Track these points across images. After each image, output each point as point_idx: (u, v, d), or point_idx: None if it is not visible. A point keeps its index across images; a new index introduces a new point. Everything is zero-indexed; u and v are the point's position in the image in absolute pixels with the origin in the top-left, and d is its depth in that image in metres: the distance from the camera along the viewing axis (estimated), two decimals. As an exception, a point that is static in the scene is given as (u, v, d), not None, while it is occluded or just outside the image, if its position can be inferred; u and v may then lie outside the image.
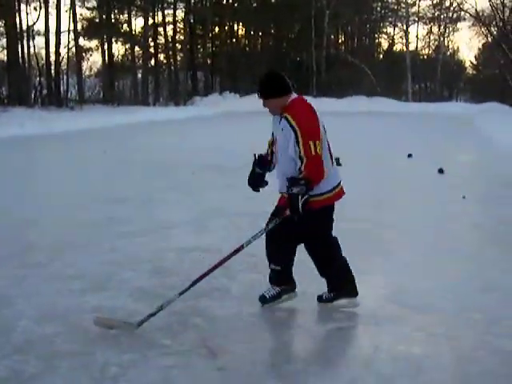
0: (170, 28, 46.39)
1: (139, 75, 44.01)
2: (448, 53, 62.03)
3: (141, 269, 5.73)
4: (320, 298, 4.76)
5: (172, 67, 45.87)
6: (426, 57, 60.93)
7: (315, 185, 4.29)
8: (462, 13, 50.40)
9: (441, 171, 11.83)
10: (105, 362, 3.81)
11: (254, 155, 4.85)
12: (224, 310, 4.72)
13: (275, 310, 4.67)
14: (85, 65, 42.81)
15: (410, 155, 14.05)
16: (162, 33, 45.91)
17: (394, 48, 60.09)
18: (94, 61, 48.62)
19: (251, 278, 5.46)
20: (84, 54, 42.12)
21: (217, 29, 50.10)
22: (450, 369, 3.79)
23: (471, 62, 64.56)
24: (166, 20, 45.69)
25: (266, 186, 4.89)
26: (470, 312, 4.67)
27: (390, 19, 58.05)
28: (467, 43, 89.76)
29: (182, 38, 47.53)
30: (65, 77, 38.87)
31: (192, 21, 47.49)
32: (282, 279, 4.73)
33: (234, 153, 15.01)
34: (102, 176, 11.42)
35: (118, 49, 45.72)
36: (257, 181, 4.86)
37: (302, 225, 4.36)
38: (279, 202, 4.70)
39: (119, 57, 46.11)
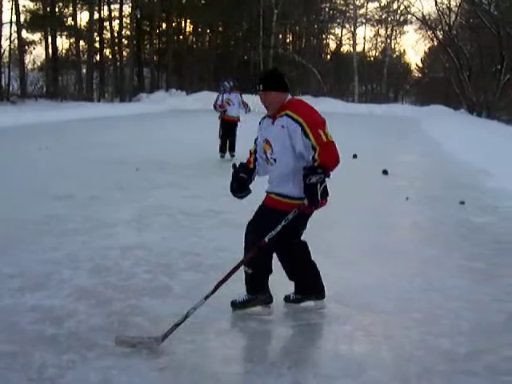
0: (116, 23, 45.74)
1: (84, 70, 43.21)
2: (394, 55, 63.02)
3: (81, 267, 5.63)
4: (287, 299, 4.75)
5: (118, 63, 45.25)
6: (372, 58, 61.76)
7: (331, 171, 4.22)
8: (409, 16, 51.19)
9: (385, 172, 11.99)
10: (43, 362, 3.73)
11: (234, 165, 4.75)
12: (165, 309, 4.66)
13: (218, 310, 4.64)
14: (27, 58, 41.83)
15: (354, 156, 14.20)
16: (108, 28, 45.21)
17: (342, 49, 60.79)
18: (37, 54, 47.43)
19: (194, 277, 5.43)
20: (27, 47, 41.12)
21: (164, 25, 49.65)
22: (390, 368, 3.83)
23: (417, 65, 65.75)
24: (113, 15, 45.10)
25: (249, 193, 4.76)
26: (410, 312, 4.74)
27: (338, 20, 58.61)
28: (413, 46, 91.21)
29: (128, 33, 46.87)
30: (6, 70, 37.90)
31: (139, 16, 46.92)
32: (257, 286, 4.62)
33: (179, 150, 14.95)
34: (43, 173, 11.17)
35: (63, 43, 44.94)
36: (241, 187, 4.70)
37: (293, 227, 4.34)
38: (266, 201, 4.58)
39: (63, 51, 45.28)
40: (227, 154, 14.03)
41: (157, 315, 4.54)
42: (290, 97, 4.51)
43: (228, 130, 14.08)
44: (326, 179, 4.20)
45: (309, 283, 4.68)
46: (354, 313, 4.70)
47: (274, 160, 4.44)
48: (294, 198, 4.34)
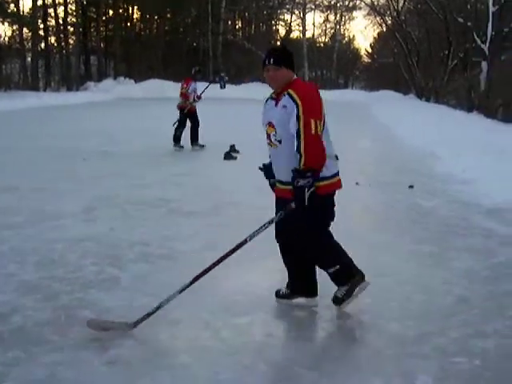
0: (61, 10, 44.85)
1: (28, 59, 42.23)
2: (344, 41, 63.46)
3: (27, 261, 5.49)
4: (277, 293, 4.64)
5: (64, 51, 44.38)
6: (322, 45, 62.06)
7: (319, 172, 4.10)
8: (358, 2, 51.57)
9: (336, 158, 12.01)
10: (-14, 360, 3.63)
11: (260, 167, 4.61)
12: (114, 301, 4.59)
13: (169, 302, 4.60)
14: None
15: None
16: (53, 14, 44.31)
17: (291, 35, 60.87)
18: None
19: (142, 269, 5.34)
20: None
21: (111, 12, 48.94)
22: (341, 352, 3.85)
23: (366, 51, 66.34)
24: (57, 1, 44.09)
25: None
26: (360, 296, 4.76)
27: (287, 6, 58.63)
28: (362, 32, 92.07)
29: (73, 20, 45.98)
30: None
31: (85, 2, 46.16)
32: (347, 274, 4.46)
33: (128, 139, 14.78)
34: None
35: (5, 30, 43.93)
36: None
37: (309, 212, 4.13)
38: (277, 193, 4.44)
39: (6, 39, 44.17)
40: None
41: (105, 308, 4.46)
42: (295, 77, 4.33)
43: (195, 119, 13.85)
44: None
45: (301, 283, 4.57)
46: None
47: (279, 142, 4.25)
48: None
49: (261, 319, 4.31)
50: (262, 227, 4.19)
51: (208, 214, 7.24)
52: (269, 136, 4.32)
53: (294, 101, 4.08)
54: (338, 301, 4.41)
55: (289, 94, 4.12)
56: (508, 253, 6.00)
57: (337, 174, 4.39)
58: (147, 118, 20.92)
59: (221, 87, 14.01)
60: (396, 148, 14.39)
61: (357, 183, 9.54)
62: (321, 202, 4.14)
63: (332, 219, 4.40)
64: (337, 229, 6.24)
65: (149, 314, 4.02)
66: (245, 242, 4.18)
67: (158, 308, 4.04)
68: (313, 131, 4.01)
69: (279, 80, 4.24)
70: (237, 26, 57.88)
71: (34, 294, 4.69)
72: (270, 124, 4.28)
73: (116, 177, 9.71)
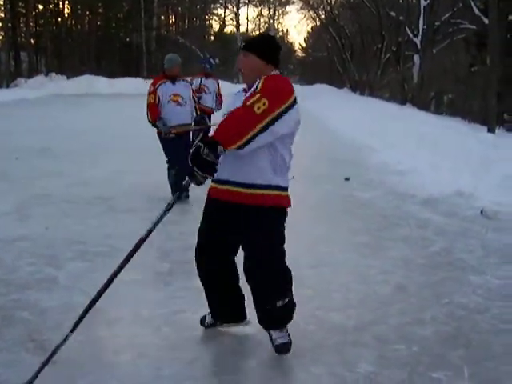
0: (-12, 5, 43.71)
1: (-44, 54, 41.08)
2: (278, 35, 63.75)
3: (-40, 262, 5.35)
4: (201, 322, 4.08)
5: (-8, 47, 43.28)
6: (256, 39, 62.22)
7: (222, 145, 3.20)
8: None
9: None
10: None
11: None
12: (52, 301, 4.51)
13: (104, 301, 4.54)
14: None
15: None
16: (-19, 9, 43.15)
17: (225, 30, 60.85)
18: None
19: (80, 267, 5.27)
20: None
21: (40, 7, 47.88)
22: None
23: (300, 45, 66.87)
24: (-16, -4, 43.01)
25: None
26: (301, 288, 4.79)
27: (220, 1, 58.58)
28: (296, 26, 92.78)
29: (2, 15, 44.85)
30: None
31: (13, -3, 45.02)
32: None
33: (63, 137, 14.49)
34: None
35: None
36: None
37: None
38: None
39: None
40: None
41: (43, 308, 4.38)
42: (276, 73, 3.68)
43: None
44: None
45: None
46: (245, 291, 4.71)
47: None
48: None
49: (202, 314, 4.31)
50: (158, 219, 3.51)
51: (147, 210, 7.17)
52: None
53: (255, 88, 3.46)
54: (286, 347, 3.73)
55: (257, 84, 3.50)
56: (443, 242, 6.16)
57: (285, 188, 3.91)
58: (82, 115, 20.57)
59: (210, 69, 11.95)
60: (331, 141, 14.56)
61: (293, 177, 9.59)
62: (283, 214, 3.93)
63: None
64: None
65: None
66: (142, 240, 3.52)
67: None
68: (249, 102, 3.30)
69: (247, 68, 3.69)
70: (170, 21, 57.46)
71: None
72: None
73: (51, 176, 9.50)
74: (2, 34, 44.44)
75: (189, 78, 9.42)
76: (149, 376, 3.48)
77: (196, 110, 7.99)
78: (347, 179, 9.37)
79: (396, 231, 6.60)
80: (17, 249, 5.73)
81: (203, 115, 8.52)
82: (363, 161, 11.21)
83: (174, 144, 7.53)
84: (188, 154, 3.25)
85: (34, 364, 3.53)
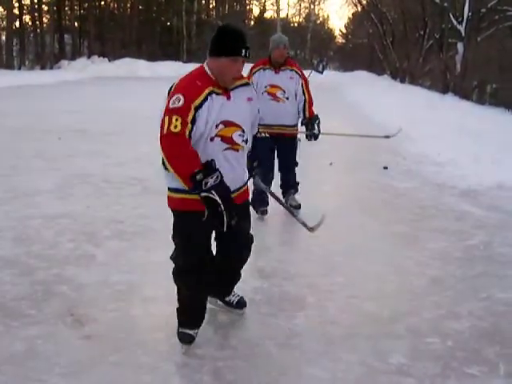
0: (35, -12, 44.15)
1: (3, 37, 41.67)
2: (318, 21, 63.28)
3: (4, 237, 5.50)
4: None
5: (38, 29, 43.75)
6: (296, 24, 61.82)
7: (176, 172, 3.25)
8: (333, -19, 51.35)
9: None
10: (-35, 335, 3.65)
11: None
12: (90, 277, 4.60)
13: (140, 279, 4.61)
14: None
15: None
16: (28, -7, 43.64)
17: (265, 15, 60.60)
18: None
19: (118, 245, 5.36)
20: None
21: (85, -10, 48.28)
22: (315, 331, 3.87)
23: (341, 31, 66.26)
24: (32, -21, 43.44)
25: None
26: (334, 275, 4.80)
27: (261, -15, 58.33)
28: (337, 12, 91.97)
29: (48, -1, 45.38)
30: None
31: (59, -19, 45.45)
32: None
33: (103, 118, 14.65)
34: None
35: (-20, 9, 43.16)
36: None
37: None
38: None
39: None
40: None
41: (81, 283, 4.49)
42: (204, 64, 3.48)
43: None
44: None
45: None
46: (278, 278, 4.73)
47: None
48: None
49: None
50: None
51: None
52: None
53: None
54: (243, 300, 4.13)
55: None
56: (481, 235, 6.06)
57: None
58: (122, 97, 20.73)
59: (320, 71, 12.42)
60: (370, 128, 14.38)
61: (331, 163, 9.58)
62: None
63: None
64: (311, 209, 6.33)
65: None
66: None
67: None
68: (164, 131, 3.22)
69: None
70: (211, 6, 57.37)
71: (10, 269, 4.71)
72: None
73: (91, 155, 9.63)
74: (48, 17, 44.90)
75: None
76: (181, 355, 3.53)
77: (305, 110, 6.42)
78: (385, 168, 9.30)
79: (433, 223, 6.51)
80: (58, 226, 5.86)
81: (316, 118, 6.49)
82: (402, 150, 11.08)
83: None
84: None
85: (71, 338, 3.64)
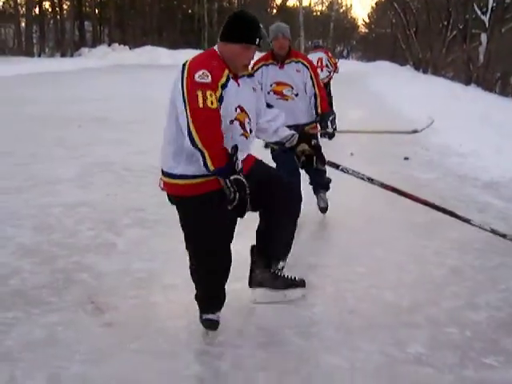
0: (56, -26, 44.34)
1: (23, 24, 41.85)
2: (341, 10, 62.94)
3: (24, 225, 5.56)
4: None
5: (58, 16, 43.95)
6: (319, 13, 61.56)
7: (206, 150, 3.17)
8: (356, -30, 50.98)
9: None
10: (-14, 320, 3.70)
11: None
12: (111, 265, 4.64)
13: (162, 265, 4.64)
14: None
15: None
16: (48, -21, 43.87)
17: (288, 3, 60.35)
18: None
19: (139, 233, 5.41)
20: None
21: (106, -23, 48.40)
22: (334, 321, 3.88)
23: (364, 21, 65.87)
24: (52, -34, 43.67)
25: None
26: (354, 265, 4.80)
27: (283, -26, 58.04)
28: (360, 1, 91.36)
29: (68, -15, 45.57)
30: None
31: (80, -33, 45.62)
32: None
33: (124, 106, 14.71)
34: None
35: (0, -5, 43.48)
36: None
37: None
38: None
39: (0, 3, 43.83)
40: None
41: (101, 271, 4.52)
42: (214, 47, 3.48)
43: None
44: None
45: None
46: (299, 268, 4.74)
47: None
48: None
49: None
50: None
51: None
52: None
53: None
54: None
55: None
56: (502, 227, 6.00)
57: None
58: (143, 85, 20.78)
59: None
60: (392, 118, 14.31)
61: (351, 154, 9.56)
62: None
63: None
64: (331, 200, 6.32)
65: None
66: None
67: None
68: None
69: None
70: (232, -7, 57.30)
71: (31, 258, 4.75)
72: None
73: (112, 143, 9.69)
74: (68, 4, 45.06)
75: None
76: (201, 343, 3.56)
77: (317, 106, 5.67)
78: (406, 159, 9.25)
79: (454, 214, 6.48)
80: (78, 214, 5.91)
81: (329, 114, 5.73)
82: (424, 141, 11.01)
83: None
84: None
85: (91, 325, 3.68)
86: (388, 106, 17.07)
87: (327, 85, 13.05)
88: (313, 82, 5.56)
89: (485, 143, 9.91)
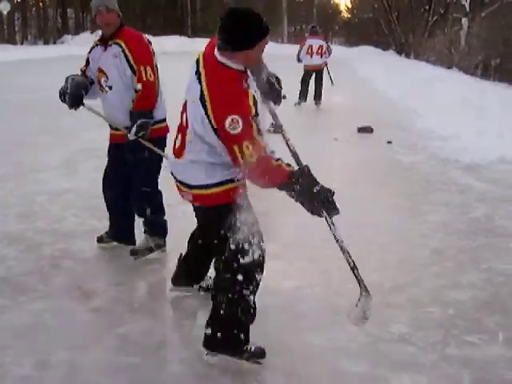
0: (37, -39, 43.93)
1: (5, 12, 41.47)
2: (323, -5, 62.76)
3: (9, 213, 5.57)
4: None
5: (40, 3, 43.56)
6: (302, -1, 61.35)
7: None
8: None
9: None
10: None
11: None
12: (96, 251, 4.68)
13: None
14: None
15: (284, 97, 14.10)
16: (29, -34, 43.46)
17: (271, -12, 59.97)
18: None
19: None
20: None
21: (88, -37, 47.99)
22: (321, 302, 3.97)
23: (346, 6, 65.75)
24: (33, -48, 43.23)
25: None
26: (338, 248, 4.83)
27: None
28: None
29: (50, -29, 45.13)
30: None
31: (61, -46, 45.10)
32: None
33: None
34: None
35: (-19, -18, 42.94)
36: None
37: None
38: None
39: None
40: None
41: (87, 258, 4.55)
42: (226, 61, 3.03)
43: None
44: None
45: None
46: (287, 249, 4.79)
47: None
48: None
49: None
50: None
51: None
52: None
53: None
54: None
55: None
56: (484, 208, 6.11)
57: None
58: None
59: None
60: (375, 103, 14.35)
61: (335, 139, 9.60)
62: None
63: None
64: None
65: None
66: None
67: None
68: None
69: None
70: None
71: (16, 245, 4.77)
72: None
73: (96, 129, 9.60)
74: (50, -10, 44.74)
75: None
76: (189, 325, 3.62)
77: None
78: (389, 142, 9.30)
79: (437, 196, 6.56)
80: (63, 201, 5.93)
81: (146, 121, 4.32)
82: (407, 125, 11.08)
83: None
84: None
85: (78, 311, 3.70)
86: (370, 90, 17.09)
87: (321, 71, 13.92)
88: (133, 71, 4.31)
89: (466, 126, 9.98)
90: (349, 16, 65.31)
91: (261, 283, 3.18)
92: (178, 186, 3.30)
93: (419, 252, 4.88)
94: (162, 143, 4.42)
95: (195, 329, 3.53)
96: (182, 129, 3.16)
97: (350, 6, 64.37)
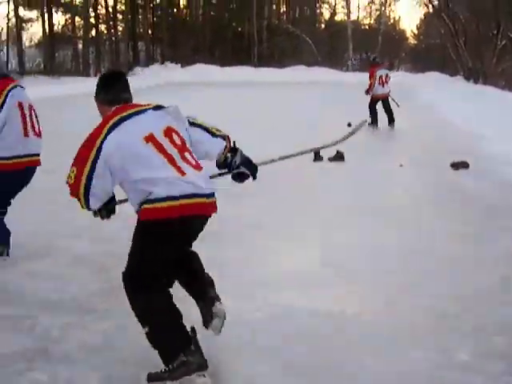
0: (110, -2, 45.66)
1: (80, 46, 43.18)
2: (389, 22, 62.57)
3: (82, 236, 5.83)
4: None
5: (113, 38, 45.13)
6: (367, 27, 61.36)
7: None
8: (404, -18, 50.60)
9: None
10: (48, 324, 3.93)
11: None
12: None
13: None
14: (25, 35, 42.11)
15: (349, 124, 14.04)
16: (103, 3, 45.13)
17: (336, 18, 60.27)
18: (34, 31, 47.53)
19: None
20: (24, 25, 41.37)
21: (158, -1, 49.47)
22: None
23: (412, 32, 65.29)
24: (107, -10, 44.89)
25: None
26: (400, 275, 4.84)
27: (331, -11, 58.06)
28: (408, 13, 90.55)
29: (122, 8, 46.71)
30: (4, 48, 38.11)
31: (133, -10, 46.68)
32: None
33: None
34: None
35: (59, 19, 44.95)
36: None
37: None
38: None
39: (60, 27, 45.31)
40: None
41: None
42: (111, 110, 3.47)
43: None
44: None
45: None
46: (348, 274, 4.85)
47: None
48: None
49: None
50: None
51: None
52: None
53: None
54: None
55: None
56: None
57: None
58: (193, 102, 21.06)
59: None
60: (442, 129, 14.18)
61: (401, 165, 9.56)
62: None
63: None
64: (381, 211, 6.36)
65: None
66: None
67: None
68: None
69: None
70: (281, 10, 57.53)
71: (87, 267, 5.01)
72: None
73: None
74: (123, 25, 46.26)
75: None
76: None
77: None
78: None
79: (505, 222, 6.42)
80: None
81: None
82: (474, 150, 10.91)
83: None
84: None
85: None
86: (438, 117, 16.87)
87: (387, 98, 15.10)
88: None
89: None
90: (415, 42, 64.83)
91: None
92: (202, 204, 3.19)
93: (485, 279, 4.80)
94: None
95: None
96: (181, 147, 3.27)
97: (416, 32, 63.96)
